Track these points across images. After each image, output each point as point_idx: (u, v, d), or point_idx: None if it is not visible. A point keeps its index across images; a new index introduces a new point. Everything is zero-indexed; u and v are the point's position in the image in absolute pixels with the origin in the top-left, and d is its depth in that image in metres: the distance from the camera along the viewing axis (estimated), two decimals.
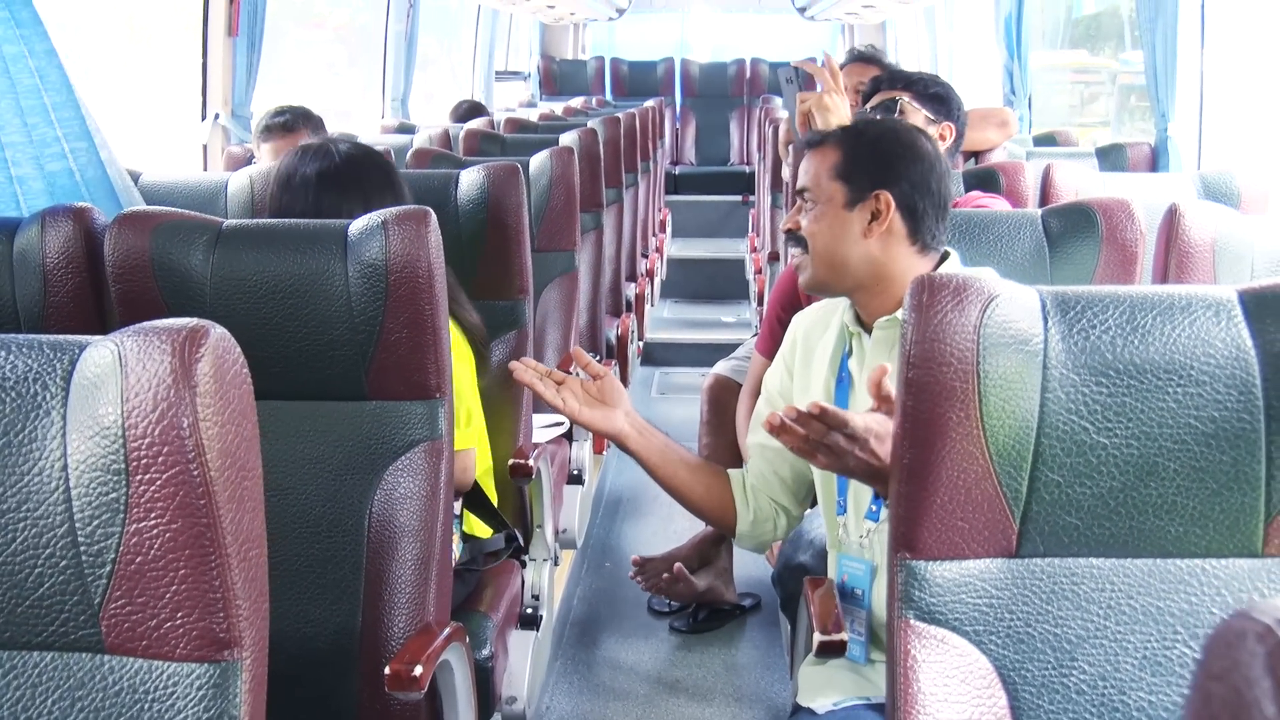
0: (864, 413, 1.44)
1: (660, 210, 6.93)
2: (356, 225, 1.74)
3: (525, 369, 1.73)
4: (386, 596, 1.70)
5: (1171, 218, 1.94)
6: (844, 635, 1.54)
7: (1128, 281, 1.93)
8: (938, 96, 2.47)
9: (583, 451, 3.10)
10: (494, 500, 2.22)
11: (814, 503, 1.89)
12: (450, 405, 1.78)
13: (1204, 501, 1.16)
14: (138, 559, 0.97)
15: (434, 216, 1.74)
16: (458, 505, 2.12)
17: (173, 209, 1.81)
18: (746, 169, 9.05)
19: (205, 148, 3.82)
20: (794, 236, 1.77)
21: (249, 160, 3.30)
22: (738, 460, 1.96)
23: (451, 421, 1.80)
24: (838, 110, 2.36)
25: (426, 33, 7.47)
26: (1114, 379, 1.15)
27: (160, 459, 0.95)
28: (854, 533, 1.70)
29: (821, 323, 1.85)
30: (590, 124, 4.26)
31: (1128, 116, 6.40)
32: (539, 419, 2.80)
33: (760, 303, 4.82)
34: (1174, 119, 3.68)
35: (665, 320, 6.59)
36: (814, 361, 1.82)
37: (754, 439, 1.90)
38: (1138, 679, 1.18)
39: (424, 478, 1.74)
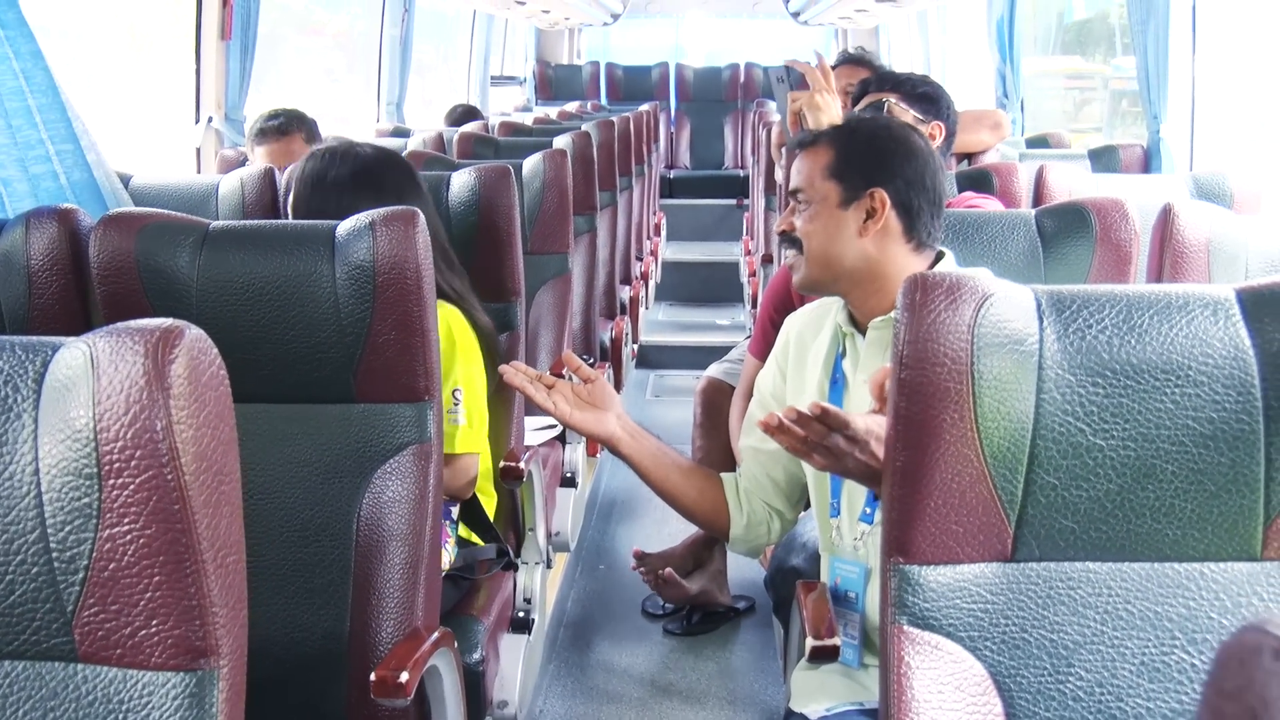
0: (864, 414, 1.42)
1: (655, 213, 6.91)
2: (344, 226, 1.72)
3: (516, 373, 1.71)
4: (375, 601, 1.68)
5: (1166, 217, 1.92)
6: (837, 640, 1.52)
7: (1122, 282, 1.91)
8: (926, 96, 2.45)
9: (576, 454, 3.08)
10: (493, 500, 2.20)
11: (807, 505, 1.87)
12: (439, 408, 1.76)
13: (1202, 504, 1.14)
14: (111, 565, 0.95)
15: (422, 217, 1.72)
16: (455, 510, 2.10)
17: (159, 210, 1.79)
18: (741, 173, 9.04)
19: (198, 151, 3.80)
20: (788, 238, 1.75)
21: (242, 163, 3.27)
22: (731, 463, 1.94)
23: (440, 424, 1.78)
24: (829, 109, 2.34)
25: (425, 40, 7.47)
26: (1110, 379, 1.13)
27: (133, 463, 0.93)
28: (848, 535, 1.68)
29: (814, 324, 1.83)
30: (584, 127, 4.24)
31: (1119, 121, 6.39)
32: (531, 421, 2.78)
33: (754, 305, 4.80)
34: (1166, 120, 3.67)
35: (660, 323, 6.58)
36: (807, 363, 1.81)
37: (746, 442, 1.88)
38: (1135, 685, 1.16)
39: (413, 481, 1.72)
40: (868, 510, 1.65)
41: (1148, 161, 3.70)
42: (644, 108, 7.03)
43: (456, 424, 2.03)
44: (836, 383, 1.74)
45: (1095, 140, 5.93)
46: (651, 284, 5.86)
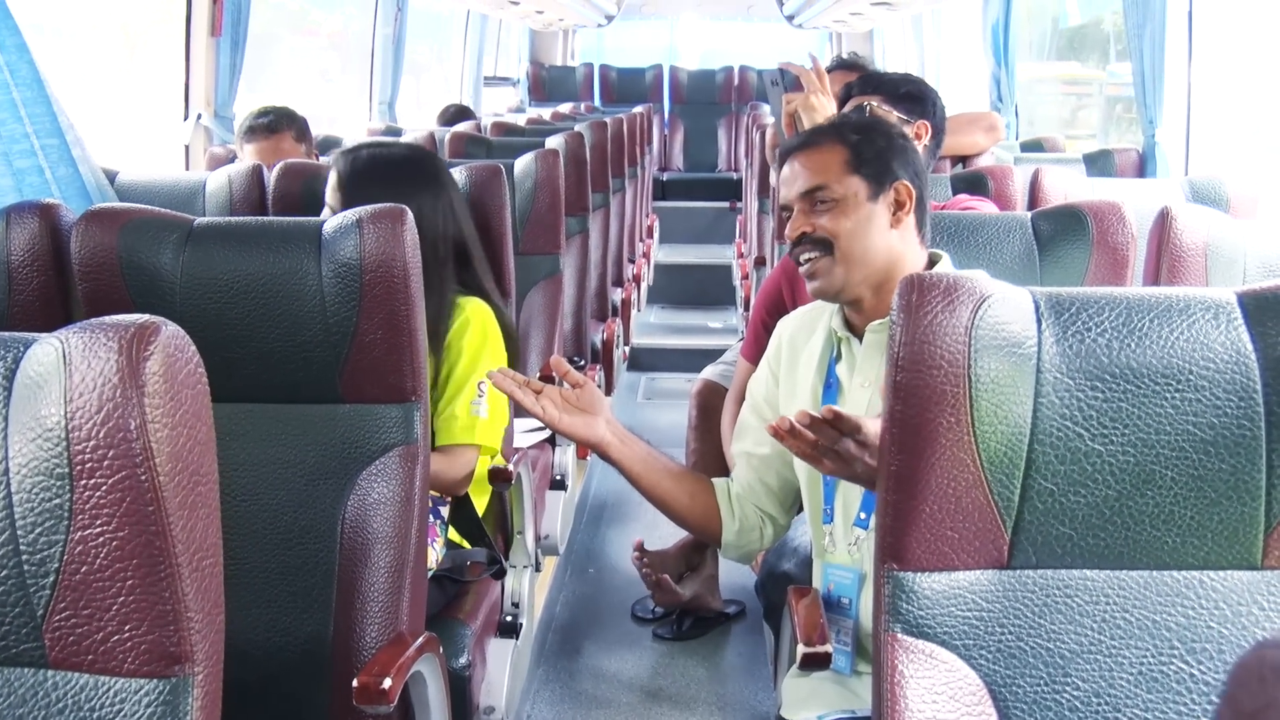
0: (874, 417, 1.40)
1: (648, 216, 6.90)
2: (331, 223, 1.70)
3: (503, 378, 1.68)
4: (359, 605, 1.65)
5: (1163, 221, 1.91)
6: (828, 647, 1.50)
7: (1119, 285, 1.90)
8: (910, 95, 2.42)
9: (566, 456, 3.05)
10: (483, 501, 2.18)
11: (799, 510, 1.85)
12: (426, 408, 1.74)
13: (1202, 511, 1.12)
14: (83, 569, 0.92)
15: (410, 215, 1.69)
16: (445, 510, 2.08)
17: (142, 206, 1.76)
18: (734, 175, 9.03)
19: (187, 148, 3.77)
20: (809, 241, 1.68)
21: (231, 161, 3.25)
22: (726, 466, 1.92)
23: (428, 425, 1.75)
24: (824, 111, 2.32)
25: (421, 40, 7.44)
26: (1110, 383, 1.11)
27: (106, 463, 0.90)
28: (841, 541, 1.66)
29: (807, 327, 1.81)
30: (577, 128, 4.22)
31: (1113, 127, 6.38)
32: (521, 423, 2.75)
33: (747, 308, 4.78)
34: (1161, 125, 3.66)
35: (652, 325, 6.56)
36: (799, 366, 1.78)
37: (739, 446, 1.85)
38: (1133, 695, 1.14)
39: (399, 483, 1.69)
40: (862, 515, 1.63)
41: (1143, 166, 3.69)
42: (638, 110, 7.01)
43: (478, 416, 2.03)
44: (830, 387, 1.72)
45: (1092, 146, 5.92)
46: (644, 286, 5.85)
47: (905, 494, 1.13)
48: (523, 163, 3.09)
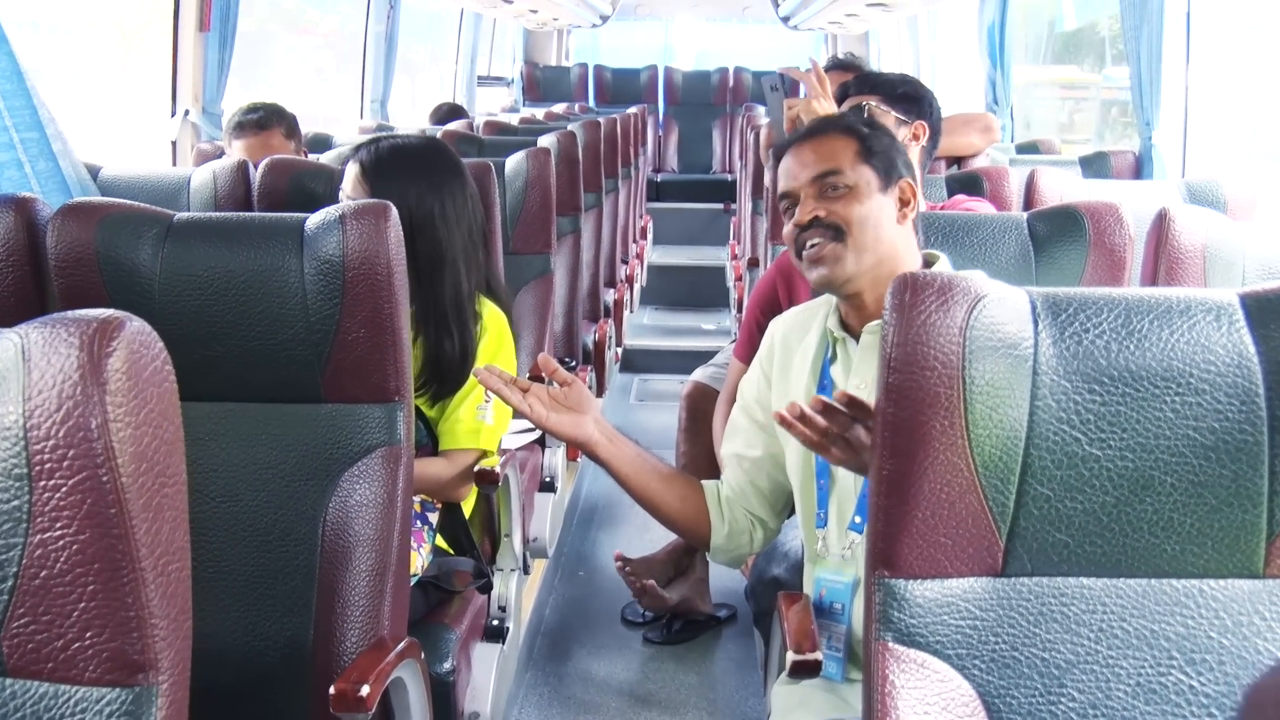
0: None
1: (641, 216, 6.87)
2: (314, 220, 1.67)
3: (490, 376, 1.65)
4: (340, 609, 1.62)
5: (1161, 222, 1.88)
6: (818, 655, 1.47)
7: (1116, 287, 1.87)
8: (907, 96, 2.40)
9: (555, 458, 3.02)
10: (470, 504, 2.15)
11: (790, 514, 1.82)
12: (410, 409, 1.71)
13: (1202, 518, 1.10)
14: (42, 573, 0.89)
15: (395, 211, 1.66)
16: (434, 517, 2.04)
17: (120, 200, 1.73)
18: (729, 177, 9.01)
19: (174, 144, 3.73)
20: (821, 226, 1.65)
21: (219, 157, 3.21)
22: (716, 469, 1.89)
23: (411, 426, 1.72)
24: (823, 115, 2.29)
25: (417, 40, 7.40)
26: (1108, 386, 1.08)
27: (65, 463, 0.86)
28: (835, 546, 1.63)
29: (800, 327, 1.78)
30: (570, 128, 4.19)
31: (1108, 130, 6.36)
32: (511, 425, 2.72)
33: (740, 310, 4.75)
34: (1158, 128, 3.63)
35: (645, 327, 6.54)
36: (793, 367, 1.75)
37: (730, 448, 1.82)
38: (1130, 707, 1.11)
39: (381, 484, 1.66)
40: (857, 519, 1.60)
41: (1139, 169, 3.67)
42: (632, 110, 6.98)
43: (484, 421, 2.04)
44: (824, 388, 1.68)
45: (1089, 151, 5.90)
46: (637, 287, 5.82)
47: (897, 499, 1.10)
48: (514, 161, 3.06)
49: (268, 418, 1.68)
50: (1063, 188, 2.56)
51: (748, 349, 2.39)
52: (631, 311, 5.58)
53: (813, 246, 1.65)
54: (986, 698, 1.12)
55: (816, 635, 1.51)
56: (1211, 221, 1.91)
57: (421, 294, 1.99)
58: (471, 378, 2.04)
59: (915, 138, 2.40)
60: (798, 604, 1.58)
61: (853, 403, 1.37)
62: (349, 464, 1.67)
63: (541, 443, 2.99)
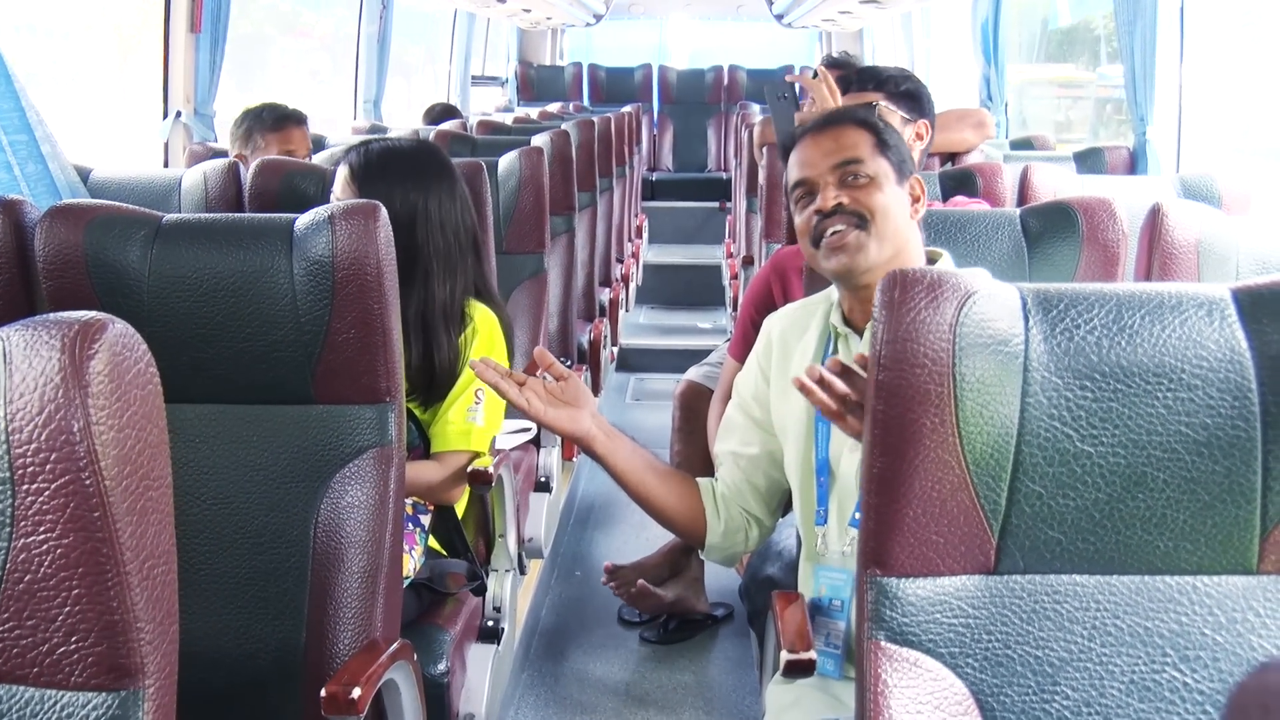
0: None
1: (636, 215, 6.86)
2: (303, 220, 1.66)
3: (486, 369, 1.65)
4: (332, 611, 1.61)
5: (1155, 217, 1.87)
6: (812, 654, 1.46)
7: (1109, 283, 1.86)
8: (910, 94, 2.38)
9: (550, 458, 3.01)
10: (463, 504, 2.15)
11: (784, 513, 1.81)
12: (401, 409, 1.70)
13: (1195, 515, 1.09)
14: (26, 577, 0.88)
15: (384, 211, 1.65)
16: (426, 519, 2.04)
17: (109, 202, 1.72)
18: (723, 175, 9.00)
19: (166, 146, 3.72)
20: (844, 213, 1.63)
21: (210, 158, 3.21)
22: (710, 467, 1.88)
23: (403, 427, 1.71)
24: None
25: (413, 41, 7.38)
26: (1100, 382, 1.08)
27: (48, 467, 0.86)
28: (835, 543, 1.62)
29: (798, 324, 1.77)
30: (564, 127, 4.18)
31: (1103, 128, 6.36)
32: (505, 424, 2.71)
33: (735, 308, 4.74)
34: (1152, 123, 3.63)
35: (641, 326, 6.53)
36: (792, 363, 1.74)
37: (725, 447, 1.82)
38: (1124, 704, 1.11)
39: (372, 486, 1.65)
40: (858, 515, 1.59)
41: (1133, 164, 3.67)
42: (626, 109, 6.97)
43: (474, 423, 2.03)
44: None
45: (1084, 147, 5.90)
46: (632, 286, 5.81)
47: (888, 497, 1.09)
48: (506, 160, 3.05)
49: (258, 419, 1.68)
50: (1057, 183, 2.56)
51: (742, 347, 2.38)
52: (627, 310, 5.57)
53: (834, 234, 1.63)
54: (979, 696, 1.11)
55: (811, 634, 1.51)
56: (1205, 216, 1.90)
57: (407, 296, 1.98)
58: (462, 379, 2.03)
59: (919, 137, 2.39)
60: (792, 603, 1.57)
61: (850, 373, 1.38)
62: (340, 465, 1.66)
63: (536, 443, 2.98)
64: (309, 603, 1.62)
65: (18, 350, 0.86)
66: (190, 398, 1.65)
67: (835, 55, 3.60)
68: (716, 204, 8.51)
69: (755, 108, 7.08)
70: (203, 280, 1.64)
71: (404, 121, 6.28)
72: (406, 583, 1.89)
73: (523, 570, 2.54)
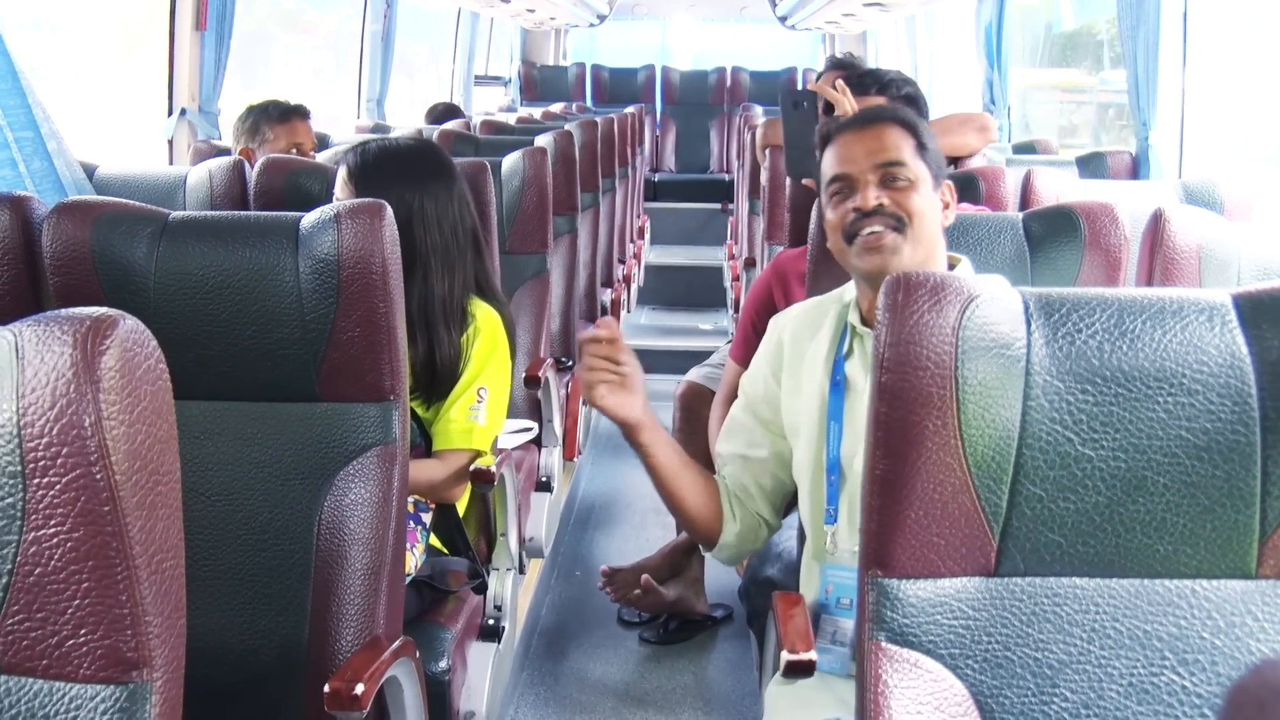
0: None
1: (639, 216, 6.86)
2: (309, 219, 1.67)
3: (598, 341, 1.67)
4: (335, 608, 1.62)
5: (1156, 223, 1.88)
6: (812, 655, 1.47)
7: (1111, 288, 1.87)
8: (910, 98, 2.38)
9: (552, 458, 3.02)
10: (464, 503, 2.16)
11: (786, 513, 1.82)
12: (405, 407, 1.70)
13: (1195, 519, 1.10)
14: (36, 570, 0.89)
15: (389, 210, 1.66)
16: (428, 517, 2.04)
17: (115, 199, 1.73)
18: (726, 177, 9.00)
19: (171, 143, 3.73)
20: (884, 215, 1.63)
21: (215, 155, 3.21)
22: (710, 469, 1.89)
23: (406, 425, 1.72)
24: None
25: (417, 40, 7.38)
26: (1101, 387, 1.09)
27: (59, 461, 0.86)
28: (845, 543, 1.62)
29: (810, 324, 1.76)
30: (567, 127, 4.19)
31: (1105, 133, 6.36)
32: (507, 424, 2.72)
33: (737, 310, 4.75)
34: (1155, 128, 3.64)
35: (642, 327, 6.53)
36: (804, 363, 1.74)
37: (731, 448, 1.81)
38: (1123, 707, 1.12)
39: (376, 483, 1.66)
40: None
41: (1136, 169, 3.67)
42: (629, 110, 6.98)
43: (476, 422, 2.04)
44: (837, 385, 1.68)
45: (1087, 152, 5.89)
46: (634, 287, 5.81)
47: (890, 499, 1.10)
48: (510, 161, 3.06)
49: (263, 416, 1.68)
50: (1059, 188, 2.56)
51: (743, 350, 2.39)
52: (629, 311, 5.58)
53: (871, 234, 1.63)
54: (979, 697, 1.12)
55: (811, 635, 1.51)
56: (1207, 222, 1.91)
57: (408, 293, 1.99)
58: (465, 378, 2.04)
59: None
60: (793, 604, 1.58)
61: None
62: (344, 463, 1.67)
63: (538, 443, 2.99)
64: (312, 599, 1.63)
65: (30, 345, 0.87)
66: (195, 394, 1.65)
67: (841, 57, 3.59)
68: (718, 205, 8.51)
69: (758, 109, 7.08)
70: (209, 277, 1.65)
71: (407, 121, 6.29)
72: (408, 580, 1.90)
73: (523, 570, 2.55)
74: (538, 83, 10.21)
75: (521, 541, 2.49)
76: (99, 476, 0.88)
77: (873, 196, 1.64)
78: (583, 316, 4.07)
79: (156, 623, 0.93)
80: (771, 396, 1.78)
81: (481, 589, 2.15)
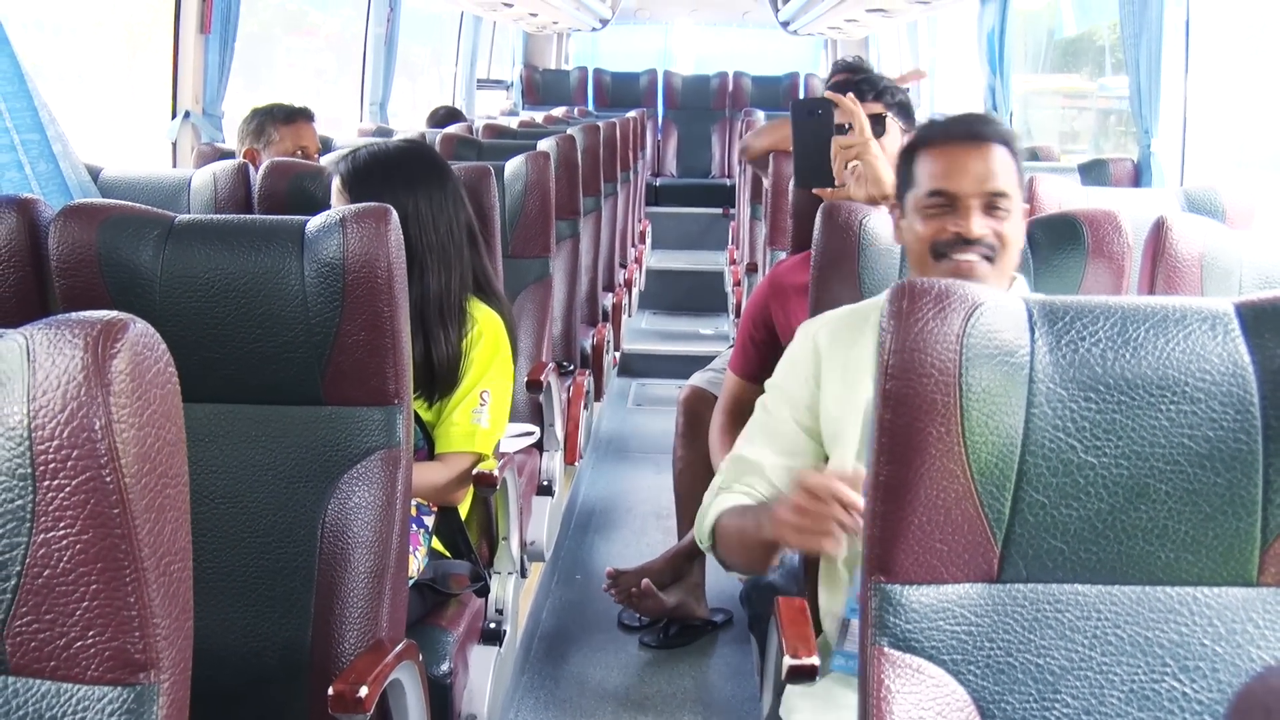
0: None
1: (640, 221, 6.87)
2: (314, 222, 1.67)
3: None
4: (338, 611, 1.63)
5: (1158, 231, 1.88)
6: (814, 660, 1.47)
7: (1114, 296, 1.87)
8: (903, 105, 2.36)
9: (553, 462, 3.02)
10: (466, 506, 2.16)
11: None
12: (409, 411, 1.71)
13: (1197, 526, 1.10)
14: (45, 572, 0.89)
15: (395, 215, 1.67)
16: (430, 520, 2.05)
17: (122, 202, 1.74)
18: (727, 182, 9.00)
19: (175, 145, 3.74)
20: (983, 245, 1.60)
21: (219, 159, 3.22)
22: (711, 473, 1.88)
23: (410, 428, 1.73)
24: (878, 165, 2.11)
25: (419, 44, 7.38)
26: (1103, 394, 1.09)
27: (70, 463, 0.87)
28: None
29: (848, 332, 1.72)
30: (569, 131, 4.19)
31: (1105, 139, 6.37)
32: (508, 429, 2.72)
33: (738, 314, 4.75)
34: (1157, 136, 3.64)
35: (643, 331, 6.54)
36: (850, 371, 1.68)
37: (760, 456, 1.72)
38: (1124, 713, 1.12)
39: (380, 487, 1.67)
40: None
41: (1138, 176, 3.67)
42: (631, 114, 6.98)
43: (479, 425, 2.04)
44: None
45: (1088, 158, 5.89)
46: (635, 291, 5.82)
47: (894, 505, 1.11)
48: (513, 165, 3.07)
49: (267, 419, 1.69)
50: (1061, 195, 2.56)
51: (742, 362, 2.38)
52: (630, 316, 5.58)
53: (966, 261, 1.61)
54: (981, 703, 1.13)
55: (813, 639, 1.52)
56: (1209, 230, 1.91)
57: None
58: (467, 380, 2.04)
59: None
60: (794, 609, 1.59)
61: None
62: (348, 466, 1.67)
63: (539, 446, 2.99)
64: (315, 602, 1.63)
65: (41, 349, 0.88)
66: (200, 397, 1.66)
67: (849, 60, 3.58)
68: (720, 210, 8.51)
69: (760, 114, 7.09)
70: (214, 281, 1.65)
71: (409, 124, 6.30)
72: (410, 583, 1.90)
73: (524, 573, 2.56)
74: (540, 87, 10.22)
75: (523, 545, 2.50)
76: (109, 479, 0.88)
77: (978, 226, 1.60)
78: (584, 320, 4.07)
79: (164, 625, 0.93)
80: (813, 403, 1.71)
81: (483, 592, 2.15)
